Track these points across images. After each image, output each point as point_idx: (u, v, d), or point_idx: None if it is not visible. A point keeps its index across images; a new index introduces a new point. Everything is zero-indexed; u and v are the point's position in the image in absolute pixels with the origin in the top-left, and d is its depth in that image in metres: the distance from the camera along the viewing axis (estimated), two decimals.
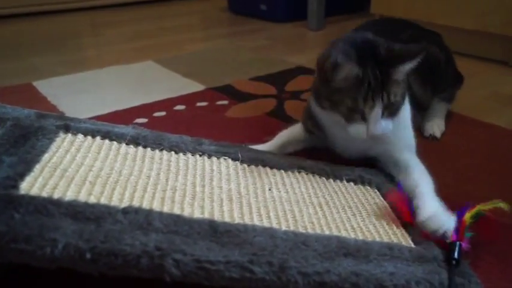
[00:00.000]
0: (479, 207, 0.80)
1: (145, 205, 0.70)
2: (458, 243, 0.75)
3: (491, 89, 1.66)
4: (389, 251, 0.73)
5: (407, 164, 0.98)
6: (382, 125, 0.92)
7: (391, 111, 0.93)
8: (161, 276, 0.61)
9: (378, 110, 0.90)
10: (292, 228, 0.75)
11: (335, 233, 0.76)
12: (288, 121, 1.40)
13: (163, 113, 1.49)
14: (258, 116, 1.47)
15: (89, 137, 0.86)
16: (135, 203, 0.70)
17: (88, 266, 0.60)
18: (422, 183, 0.91)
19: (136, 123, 1.38)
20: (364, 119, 0.91)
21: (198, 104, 1.57)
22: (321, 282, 0.65)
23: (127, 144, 0.87)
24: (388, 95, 0.90)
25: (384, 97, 0.90)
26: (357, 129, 0.93)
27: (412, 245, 0.78)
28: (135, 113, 1.46)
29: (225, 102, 1.58)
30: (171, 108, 1.52)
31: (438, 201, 0.86)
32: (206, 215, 0.72)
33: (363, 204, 0.88)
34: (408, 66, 0.91)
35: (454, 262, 0.73)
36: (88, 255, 0.59)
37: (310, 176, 0.94)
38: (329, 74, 0.89)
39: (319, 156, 1.05)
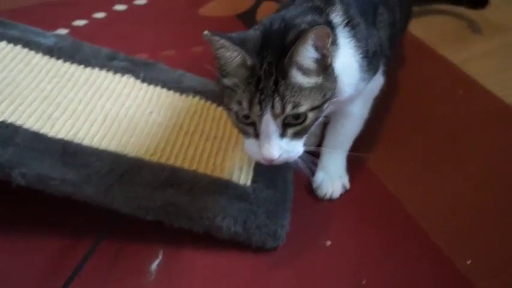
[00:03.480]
0: None
1: (22, 120, 0.87)
2: None
3: (484, 14, 1.51)
4: (216, 187, 0.88)
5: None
6: (279, 146, 0.71)
7: (296, 130, 0.72)
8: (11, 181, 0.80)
9: (268, 120, 0.69)
10: (142, 154, 0.90)
11: (179, 163, 0.90)
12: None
13: (144, 1, 1.57)
14: (228, 16, 1.51)
15: (11, 45, 1.02)
16: (14, 117, 0.87)
17: None
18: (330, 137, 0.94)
19: (94, 18, 1.45)
20: (256, 134, 0.72)
21: None
22: (139, 206, 0.83)
23: (43, 54, 1.02)
24: (282, 101, 0.68)
25: (275, 103, 0.68)
26: (251, 148, 0.74)
27: (247, 183, 0.91)
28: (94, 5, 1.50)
29: None
30: None
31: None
32: (69, 135, 0.88)
33: (234, 136, 0.99)
34: (302, 57, 0.68)
35: None
36: None
37: (203, 101, 1.05)
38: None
39: None
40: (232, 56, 0.69)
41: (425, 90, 1.18)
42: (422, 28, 1.35)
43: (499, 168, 0.99)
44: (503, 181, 0.96)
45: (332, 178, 0.94)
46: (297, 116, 0.70)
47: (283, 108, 0.68)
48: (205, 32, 0.66)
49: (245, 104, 0.69)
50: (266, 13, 1.51)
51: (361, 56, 0.81)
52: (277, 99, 0.68)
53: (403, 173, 0.99)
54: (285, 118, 0.69)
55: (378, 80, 0.93)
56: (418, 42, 1.33)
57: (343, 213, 0.92)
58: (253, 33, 0.73)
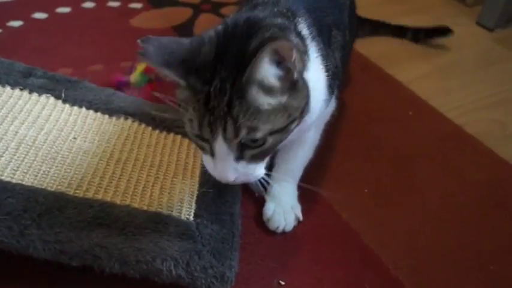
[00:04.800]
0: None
1: None
2: None
3: None
4: (154, 224, 0.76)
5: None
6: (234, 170, 0.64)
7: (255, 153, 0.64)
8: None
9: (220, 144, 0.62)
10: (64, 187, 0.76)
11: (109, 197, 0.78)
12: None
13: (67, 9, 1.43)
14: (163, 28, 1.40)
15: None
16: None
17: None
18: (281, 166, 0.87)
19: (9, 26, 1.30)
20: (212, 152, 0.65)
21: (110, 3, 1.49)
22: (61, 251, 0.69)
23: None
24: (235, 124, 0.59)
25: (227, 127, 0.60)
26: (207, 165, 0.68)
27: (190, 218, 0.80)
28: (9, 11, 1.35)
29: (139, 5, 1.50)
30: (78, 6, 1.45)
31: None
32: None
33: (173, 163, 0.88)
34: (263, 74, 0.59)
35: None
36: None
37: (136, 124, 0.93)
38: None
39: None
40: (166, 74, 0.62)
41: (375, 111, 1.14)
42: (366, 48, 1.31)
43: (455, 196, 0.95)
44: (460, 210, 0.92)
45: (284, 209, 0.85)
46: (254, 139, 0.62)
47: (237, 133, 0.60)
48: (139, 40, 0.59)
49: (195, 124, 0.62)
50: (205, 25, 1.42)
51: (326, 73, 0.75)
52: (229, 122, 0.60)
53: (357, 202, 0.92)
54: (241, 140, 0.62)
55: (332, 105, 0.88)
56: (364, 60, 1.29)
57: (298, 247, 0.83)
58: (207, 38, 0.64)
